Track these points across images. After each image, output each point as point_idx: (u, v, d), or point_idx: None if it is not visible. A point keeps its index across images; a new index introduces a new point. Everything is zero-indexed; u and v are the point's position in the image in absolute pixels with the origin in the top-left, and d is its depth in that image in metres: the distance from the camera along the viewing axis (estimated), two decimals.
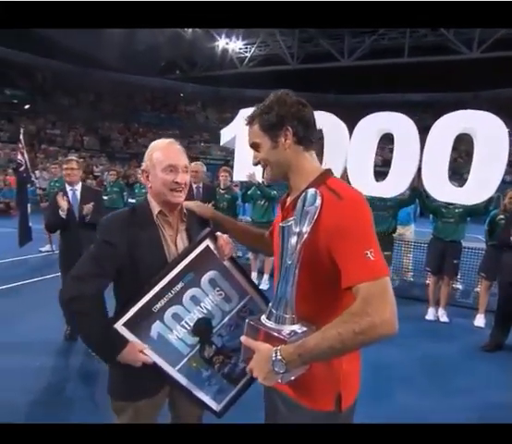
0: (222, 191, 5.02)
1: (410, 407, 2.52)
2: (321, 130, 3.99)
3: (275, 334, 0.94)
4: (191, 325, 1.28)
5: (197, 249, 1.29)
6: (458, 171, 10.17)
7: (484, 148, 3.57)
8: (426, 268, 4.30)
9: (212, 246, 1.32)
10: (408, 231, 5.58)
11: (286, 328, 0.95)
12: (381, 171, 4.18)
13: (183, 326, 1.27)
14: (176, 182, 1.25)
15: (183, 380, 1.28)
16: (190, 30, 21.43)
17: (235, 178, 4.78)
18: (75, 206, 3.02)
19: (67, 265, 2.90)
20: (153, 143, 1.32)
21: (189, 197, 4.58)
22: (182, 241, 1.34)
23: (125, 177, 8.44)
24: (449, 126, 3.71)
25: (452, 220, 4.04)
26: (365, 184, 3.87)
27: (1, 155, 14.61)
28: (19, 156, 5.65)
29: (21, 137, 5.82)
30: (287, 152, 1.06)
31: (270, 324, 0.97)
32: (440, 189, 3.71)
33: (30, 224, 5.63)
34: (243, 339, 1.01)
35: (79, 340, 3.01)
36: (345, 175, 4.05)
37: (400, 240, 5.18)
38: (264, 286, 4.86)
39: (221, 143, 4.96)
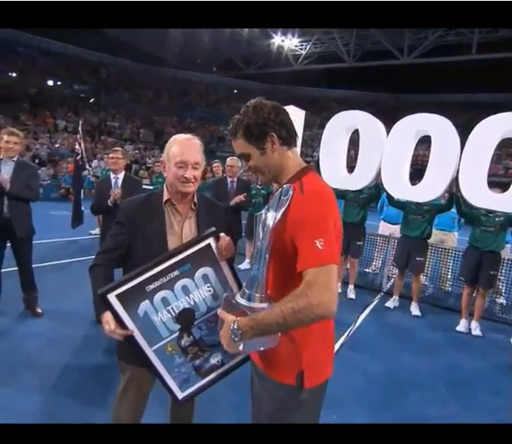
0: (259, 187, 5.14)
1: (422, 413, 2.51)
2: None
3: (244, 310, 1.05)
4: (176, 312, 1.37)
5: (199, 244, 1.38)
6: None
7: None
8: (460, 278, 4.14)
9: (213, 245, 1.41)
10: (450, 238, 5.35)
11: (255, 305, 1.06)
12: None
13: (168, 311, 1.36)
14: (185, 177, 1.39)
15: (156, 361, 1.38)
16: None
17: None
18: (116, 194, 3.25)
19: None
20: (173, 137, 1.45)
21: (224, 190, 4.73)
22: (189, 227, 1.48)
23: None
24: (491, 129, 3.55)
25: (491, 229, 3.84)
26: (399, 187, 3.82)
27: (66, 145, 15.80)
28: (77, 146, 6.15)
29: (80, 129, 6.33)
30: (275, 155, 1.14)
31: (242, 301, 1.08)
32: (478, 194, 3.57)
33: (83, 208, 6.13)
34: (219, 311, 1.12)
35: None
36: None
37: (440, 247, 5.00)
38: None
39: None
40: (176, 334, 1.39)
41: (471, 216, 3.99)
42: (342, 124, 4.46)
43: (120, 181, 3.38)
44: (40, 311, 3.37)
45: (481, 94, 23.36)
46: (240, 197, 4.01)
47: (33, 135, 15.59)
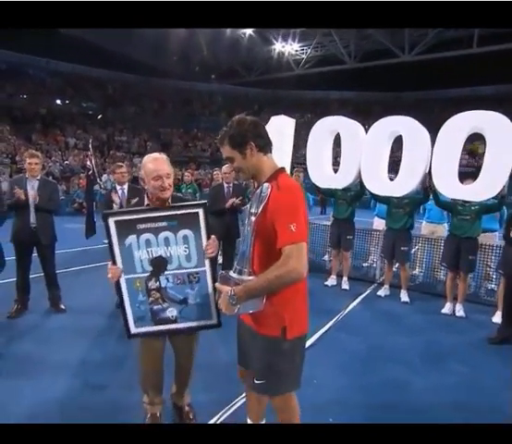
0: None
1: (397, 379, 2.91)
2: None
3: (237, 282, 1.44)
4: (153, 255, 1.76)
5: (190, 209, 1.78)
6: None
7: (494, 147, 3.83)
8: (442, 264, 4.57)
9: (201, 215, 1.77)
10: (440, 230, 5.74)
11: (245, 278, 1.45)
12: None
13: (147, 252, 1.76)
14: (162, 186, 1.89)
15: (124, 289, 1.79)
16: (247, 34, 22.49)
17: None
18: (123, 201, 3.90)
19: None
20: (146, 157, 1.99)
21: (221, 194, 5.32)
22: None
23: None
24: (458, 126, 4.02)
25: (468, 217, 4.25)
26: (378, 184, 4.30)
27: (77, 161, 16.73)
28: (88, 162, 6.82)
29: (90, 146, 7.01)
30: (253, 159, 1.52)
31: (234, 275, 1.47)
32: (449, 186, 4.02)
33: (95, 219, 6.75)
34: (217, 285, 1.51)
35: None
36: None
37: (431, 238, 5.38)
38: None
39: None
40: (147, 274, 1.81)
41: (449, 207, 4.43)
42: (325, 128, 5.00)
43: (126, 191, 4.02)
44: (63, 307, 3.96)
45: (486, 87, 23.52)
46: (234, 199, 4.55)
47: (46, 154, 16.55)
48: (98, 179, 8.40)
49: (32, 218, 3.69)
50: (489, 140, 3.86)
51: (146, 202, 1.99)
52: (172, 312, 1.85)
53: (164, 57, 24.40)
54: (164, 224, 1.77)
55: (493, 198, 4.03)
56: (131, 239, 1.77)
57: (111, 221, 1.76)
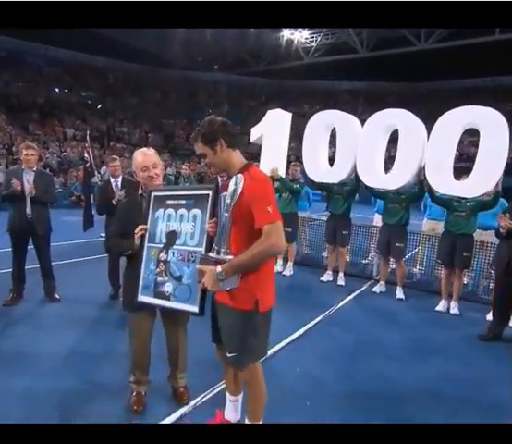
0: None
1: (383, 375, 3.09)
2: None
3: (218, 261, 1.73)
4: (169, 229, 2.08)
5: (202, 191, 2.04)
6: None
7: (488, 142, 4.03)
8: (437, 260, 4.78)
9: (210, 196, 1.98)
10: (440, 226, 5.91)
11: (224, 257, 1.75)
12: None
13: (167, 226, 2.09)
14: (150, 176, 2.26)
15: (144, 255, 2.16)
16: None
17: None
18: (117, 194, 4.18)
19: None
20: (136, 152, 2.34)
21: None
22: None
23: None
24: (454, 121, 4.21)
25: (463, 214, 4.45)
26: (373, 177, 4.53)
27: (75, 153, 17.09)
28: (86, 154, 7.10)
29: (88, 137, 7.30)
30: (223, 154, 1.84)
31: (214, 255, 1.77)
32: (442, 183, 4.23)
33: (93, 212, 7.04)
34: (198, 266, 1.79)
35: (119, 299, 4.20)
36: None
37: (431, 235, 5.58)
38: (288, 272, 5.71)
39: (250, 140, 5.91)
40: (161, 246, 2.13)
41: (445, 203, 4.64)
42: (320, 123, 5.23)
43: (119, 184, 4.31)
44: (57, 297, 4.25)
45: (507, 77, 23.41)
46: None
47: (43, 145, 16.93)
48: (96, 172, 8.67)
49: (28, 209, 3.98)
50: (483, 135, 4.06)
51: (140, 191, 2.35)
52: (169, 287, 2.10)
53: (167, 46, 24.66)
54: (183, 202, 2.09)
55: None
56: (159, 212, 2.16)
57: (152, 195, 2.21)
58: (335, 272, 5.55)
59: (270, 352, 3.14)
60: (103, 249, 4.26)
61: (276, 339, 3.40)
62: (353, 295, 5.00)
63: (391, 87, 26.91)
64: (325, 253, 6.24)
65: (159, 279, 2.13)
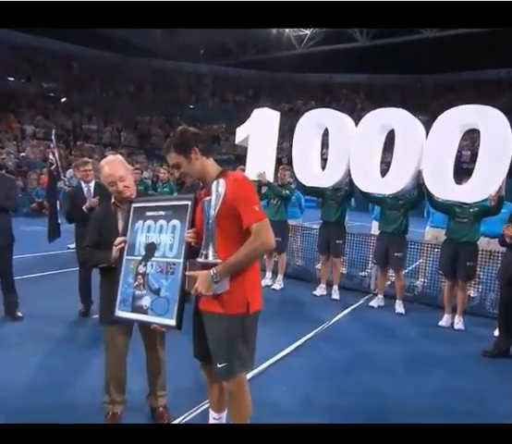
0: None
1: (378, 394, 3.30)
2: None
3: (208, 265, 1.97)
4: (149, 241, 2.30)
5: (181, 201, 2.28)
6: None
7: (489, 144, 4.34)
8: (439, 271, 5.04)
9: (189, 207, 2.21)
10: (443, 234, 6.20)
11: (213, 261, 1.98)
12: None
13: (146, 237, 2.32)
14: (118, 191, 2.46)
15: (122, 268, 2.36)
16: None
17: None
18: (89, 200, 4.32)
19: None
20: (103, 161, 2.55)
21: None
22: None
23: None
24: (454, 121, 4.54)
25: (466, 220, 4.70)
26: (368, 181, 4.81)
27: (36, 153, 17.13)
28: (51, 156, 7.25)
29: (53, 137, 7.46)
30: (198, 163, 2.11)
31: (202, 260, 2.00)
32: (441, 186, 4.52)
33: (59, 221, 7.15)
34: (188, 273, 2.02)
35: (90, 317, 4.37)
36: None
37: (434, 245, 5.77)
38: (278, 286, 5.95)
39: (236, 142, 6.19)
40: (140, 258, 2.34)
41: (445, 209, 4.91)
42: (311, 123, 5.54)
43: (92, 189, 4.47)
44: (20, 314, 4.38)
45: None
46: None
47: None
48: (62, 175, 8.79)
49: None
50: (484, 136, 4.38)
51: (112, 199, 2.55)
52: (146, 301, 2.30)
53: (142, 32, 24.73)
54: (162, 213, 2.32)
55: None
56: (139, 224, 2.40)
57: (132, 206, 2.46)
58: (330, 285, 5.79)
59: (257, 370, 3.38)
60: (76, 260, 4.39)
61: (265, 355, 3.59)
62: (348, 310, 5.24)
63: (394, 80, 27.55)
64: (319, 265, 6.42)
65: (137, 293, 2.34)
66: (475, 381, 3.57)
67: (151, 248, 2.31)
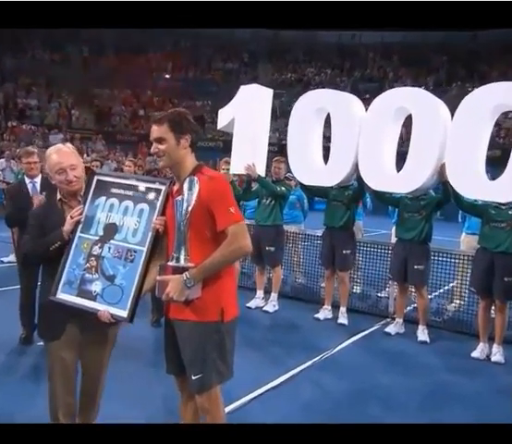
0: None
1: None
2: None
3: (180, 269, 2.37)
4: (109, 221, 2.64)
5: (155, 185, 2.65)
6: None
7: None
8: (470, 288, 5.44)
9: (162, 193, 2.59)
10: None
11: (185, 265, 2.37)
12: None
13: (107, 217, 2.65)
14: (66, 180, 2.74)
15: (72, 246, 2.68)
16: None
17: (232, 171, 6.28)
18: (36, 198, 4.59)
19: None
20: (49, 149, 2.86)
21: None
22: None
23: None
24: (487, 101, 4.92)
25: (503, 225, 5.00)
26: (379, 177, 5.26)
27: None
28: None
29: None
30: (183, 151, 2.54)
31: (174, 264, 2.39)
32: (468, 182, 4.92)
33: None
34: (158, 277, 2.45)
35: (34, 344, 4.80)
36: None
37: (466, 255, 6.11)
38: (271, 308, 6.31)
39: (218, 127, 6.57)
40: (96, 238, 2.67)
41: (477, 211, 5.28)
42: (309, 107, 5.89)
43: (38, 185, 4.86)
44: None
45: None
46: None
47: None
48: None
49: None
50: None
51: (58, 196, 2.87)
52: (97, 286, 2.69)
53: None
54: (130, 193, 2.69)
55: None
56: (100, 200, 2.74)
57: (95, 179, 2.79)
58: (336, 307, 6.12)
59: (239, 402, 3.79)
60: (16, 275, 4.81)
61: (250, 387, 3.99)
62: (358, 337, 5.58)
63: (439, 39, 26.21)
64: (324, 284, 6.59)
65: (87, 276, 2.73)
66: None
67: (110, 229, 2.70)
